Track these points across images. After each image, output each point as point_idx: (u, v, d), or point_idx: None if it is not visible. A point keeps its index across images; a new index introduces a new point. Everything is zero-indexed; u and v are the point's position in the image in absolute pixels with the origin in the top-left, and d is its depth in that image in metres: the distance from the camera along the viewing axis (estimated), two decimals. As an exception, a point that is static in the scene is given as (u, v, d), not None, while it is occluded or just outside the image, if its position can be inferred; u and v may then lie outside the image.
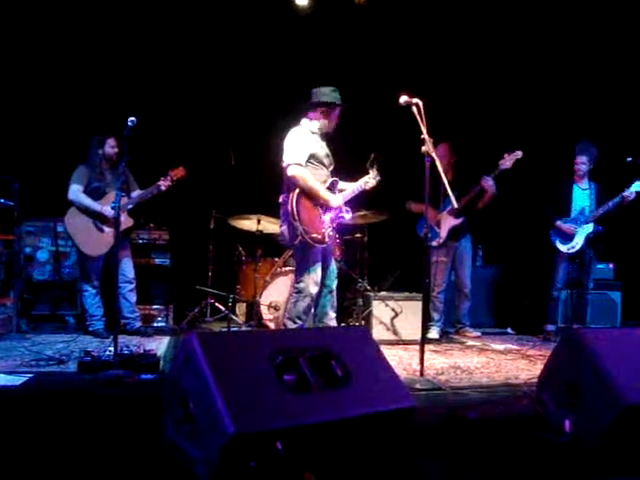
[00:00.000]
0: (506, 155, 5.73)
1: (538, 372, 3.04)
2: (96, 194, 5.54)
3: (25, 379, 3.62)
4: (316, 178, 4.52)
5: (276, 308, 5.86)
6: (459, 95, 7.21)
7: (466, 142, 6.34)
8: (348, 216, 4.69)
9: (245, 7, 6.77)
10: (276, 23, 6.92)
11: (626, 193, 5.82)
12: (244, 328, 6.04)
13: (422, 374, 3.96)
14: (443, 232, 6.02)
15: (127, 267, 5.61)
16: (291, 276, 5.79)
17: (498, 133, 7.02)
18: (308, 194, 4.43)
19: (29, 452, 2.46)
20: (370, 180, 4.74)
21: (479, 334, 6.28)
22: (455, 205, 4.38)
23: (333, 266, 4.83)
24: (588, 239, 6.05)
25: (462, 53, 7.23)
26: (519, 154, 5.69)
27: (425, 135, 4.04)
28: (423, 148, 4.05)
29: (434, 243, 5.99)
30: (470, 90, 7.32)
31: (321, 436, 2.16)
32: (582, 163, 6.15)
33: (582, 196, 6.19)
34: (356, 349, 2.44)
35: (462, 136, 6.39)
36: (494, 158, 5.83)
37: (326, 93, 4.66)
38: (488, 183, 5.83)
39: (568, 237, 6.09)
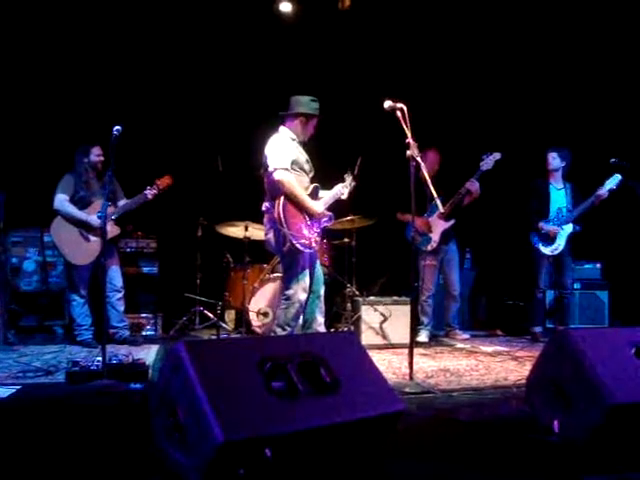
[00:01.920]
0: (484, 156, 5.77)
1: (527, 373, 3.06)
2: (82, 203, 5.52)
3: (13, 391, 3.60)
4: (298, 184, 4.53)
5: (265, 315, 5.86)
6: (439, 99, 7.25)
7: (446, 145, 6.37)
8: (331, 222, 4.74)
9: (230, 15, 6.78)
10: (261, 30, 6.93)
11: (600, 192, 5.87)
12: (233, 335, 6.03)
13: (411, 377, 3.98)
14: (435, 236, 6.04)
15: (115, 276, 5.59)
16: (279, 282, 5.79)
17: (478, 136, 7.06)
18: (292, 200, 4.44)
19: (18, 464, 2.45)
20: (344, 189, 4.81)
21: (468, 336, 6.31)
22: (442, 210, 4.40)
23: (320, 271, 4.84)
24: (567, 240, 6.10)
25: (444, 58, 7.28)
26: (497, 155, 5.76)
27: (410, 139, 4.07)
28: (408, 152, 4.08)
29: (428, 248, 6.02)
30: (449, 93, 7.36)
31: (310, 442, 2.16)
32: (552, 158, 6.19)
33: (558, 196, 6.24)
34: (344, 355, 2.45)
35: (442, 139, 6.41)
36: (474, 160, 5.88)
37: (305, 103, 4.67)
38: (474, 186, 5.87)
39: (550, 239, 6.12)
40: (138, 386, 3.79)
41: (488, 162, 5.76)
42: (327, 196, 4.76)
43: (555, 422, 2.66)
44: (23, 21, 6.39)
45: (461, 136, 7.16)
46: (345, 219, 5.89)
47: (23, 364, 4.50)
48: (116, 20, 6.58)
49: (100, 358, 3.93)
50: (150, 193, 5.48)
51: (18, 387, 3.71)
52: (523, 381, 3.75)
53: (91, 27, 6.55)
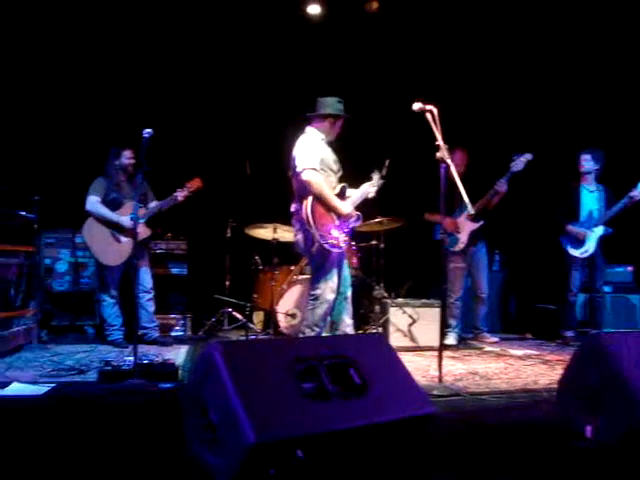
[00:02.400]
0: (515, 157, 5.73)
1: (558, 377, 3.03)
2: (113, 205, 5.60)
3: (47, 389, 3.66)
4: (326, 184, 4.54)
5: (293, 316, 5.88)
6: (468, 100, 7.21)
7: (475, 145, 6.33)
8: (359, 222, 4.74)
9: (259, 19, 6.82)
10: (289, 33, 6.97)
11: (633, 193, 5.80)
12: (261, 336, 6.06)
13: (440, 380, 3.96)
14: (463, 237, 6.01)
15: (145, 277, 5.65)
16: (308, 284, 5.81)
17: (509, 136, 7.01)
18: (320, 200, 4.45)
19: (53, 460, 2.49)
20: (372, 188, 4.82)
21: (497, 339, 6.26)
22: (472, 211, 4.37)
23: (347, 272, 4.84)
24: (599, 242, 6.02)
25: (473, 59, 7.24)
26: (528, 156, 5.70)
27: (440, 142, 4.05)
28: (438, 154, 4.06)
29: (456, 249, 5.99)
30: (479, 94, 7.32)
31: (341, 444, 2.16)
32: (585, 160, 6.13)
33: (590, 199, 6.17)
34: (374, 356, 2.45)
35: (470, 139, 6.38)
36: (504, 160, 5.84)
37: (332, 104, 4.71)
38: (503, 187, 5.83)
39: (579, 242, 6.06)
40: (168, 386, 3.82)
41: (519, 163, 5.70)
42: (355, 196, 4.76)
43: (588, 427, 2.63)
44: (54, 27, 6.51)
45: (491, 136, 7.11)
46: (373, 221, 5.90)
47: (56, 363, 4.58)
48: (147, 25, 6.67)
49: (131, 358, 3.98)
50: (180, 195, 5.53)
51: (53, 385, 3.76)
52: (554, 385, 3.71)
53: (122, 32, 6.65)
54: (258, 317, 6.51)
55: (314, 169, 4.45)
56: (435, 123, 4.06)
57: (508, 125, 7.28)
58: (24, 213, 5.39)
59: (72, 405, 3.44)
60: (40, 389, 3.65)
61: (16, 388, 3.68)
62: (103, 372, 3.93)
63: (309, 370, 2.24)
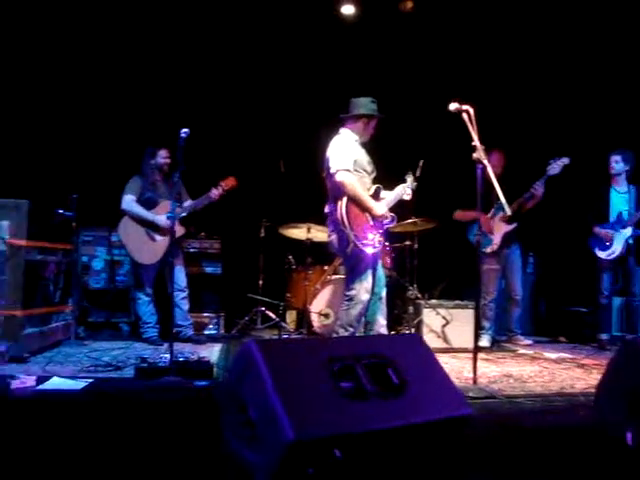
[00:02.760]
0: (552, 161, 5.67)
1: (594, 382, 3.00)
2: (149, 204, 5.67)
3: (85, 384, 3.73)
4: (360, 185, 4.54)
5: (326, 316, 5.89)
6: (505, 101, 7.14)
7: (510, 147, 6.28)
8: (393, 223, 4.72)
9: (293, 19, 6.85)
10: (324, 33, 6.98)
11: None
12: (294, 336, 6.08)
13: (475, 382, 3.93)
14: (497, 238, 5.97)
15: (180, 275, 5.70)
16: (341, 284, 5.81)
17: (540, 138, 6.93)
18: (355, 201, 4.45)
19: (90, 454, 2.53)
20: (407, 189, 4.82)
21: (531, 342, 6.20)
22: (509, 212, 4.34)
23: (381, 273, 4.83)
24: (627, 244, 5.92)
25: (508, 59, 7.17)
26: (566, 160, 5.64)
27: (477, 142, 4.02)
28: (474, 155, 4.02)
29: (488, 250, 5.95)
30: (515, 96, 7.25)
31: (378, 443, 2.16)
32: (615, 162, 6.03)
33: (620, 200, 6.07)
34: (411, 356, 2.45)
35: (505, 141, 6.32)
36: (540, 163, 5.79)
37: (365, 104, 4.71)
38: (540, 190, 5.77)
39: (606, 243, 5.97)
40: (203, 383, 3.86)
41: (555, 167, 5.65)
42: (389, 197, 4.76)
43: (628, 433, 2.59)
44: (91, 28, 6.61)
45: (524, 138, 7.04)
46: (407, 222, 5.87)
47: (93, 359, 4.65)
48: (184, 25, 6.74)
49: (167, 355, 4.03)
50: (215, 193, 5.57)
51: (90, 380, 3.83)
52: (591, 390, 3.69)
53: (160, 33, 6.74)
54: (291, 316, 6.54)
55: (348, 170, 4.46)
56: (472, 123, 4.02)
57: (540, 126, 7.19)
58: (62, 211, 5.48)
59: (109, 401, 3.50)
60: (78, 384, 3.72)
61: (56, 382, 3.76)
62: (139, 369, 3.98)
63: (346, 369, 2.25)
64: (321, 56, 7.05)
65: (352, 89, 5.17)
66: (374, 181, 4.76)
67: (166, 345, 5.22)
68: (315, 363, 2.18)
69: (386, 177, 4.89)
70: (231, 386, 2.31)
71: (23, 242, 4.59)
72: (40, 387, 3.63)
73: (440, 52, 7.13)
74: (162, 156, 5.75)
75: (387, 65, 7.05)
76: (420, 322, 5.78)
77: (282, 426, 1.95)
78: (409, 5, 7.03)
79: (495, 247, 5.97)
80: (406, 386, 2.29)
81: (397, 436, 2.21)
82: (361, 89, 4.97)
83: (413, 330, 5.80)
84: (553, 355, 5.56)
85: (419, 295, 6.04)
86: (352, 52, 7.05)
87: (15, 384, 3.56)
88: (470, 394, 3.72)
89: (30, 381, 3.64)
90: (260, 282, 6.48)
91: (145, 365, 4.01)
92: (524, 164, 6.16)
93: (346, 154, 4.52)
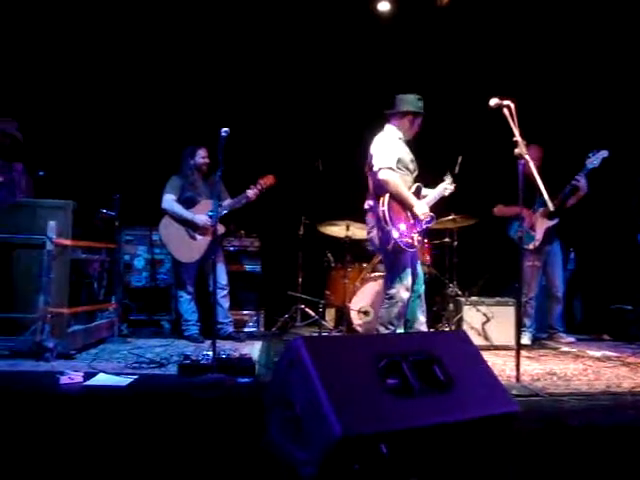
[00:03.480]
0: (591, 154, 5.58)
1: (642, 381, 2.94)
2: (188, 203, 5.73)
3: (131, 380, 3.79)
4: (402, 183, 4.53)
5: (366, 313, 5.89)
6: (540, 95, 7.02)
7: (547, 142, 6.18)
8: (433, 222, 4.70)
9: (330, 16, 6.85)
10: (359, 31, 6.97)
11: None
12: (334, 333, 6.09)
13: (518, 380, 3.89)
14: (539, 234, 5.89)
15: (220, 273, 5.75)
16: (380, 282, 5.81)
17: (580, 133, 6.81)
18: (397, 199, 4.44)
19: (139, 449, 2.58)
20: (448, 187, 4.79)
21: (573, 340, 6.10)
22: (551, 207, 4.28)
23: (420, 271, 4.82)
24: None
25: (543, 50, 7.05)
26: (605, 153, 5.55)
27: (518, 137, 3.98)
28: (516, 151, 3.99)
29: (531, 246, 5.87)
30: (550, 89, 7.12)
31: (425, 440, 2.16)
32: None
33: None
34: (457, 353, 2.44)
35: (542, 136, 6.23)
36: (578, 158, 5.70)
37: (412, 101, 4.68)
38: (581, 182, 5.69)
39: None
40: (246, 380, 3.90)
41: (594, 160, 5.56)
42: (430, 196, 4.73)
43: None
44: (129, 29, 6.72)
45: (563, 132, 6.92)
46: (446, 218, 5.84)
47: (137, 356, 4.72)
48: (221, 25, 6.80)
49: (210, 352, 4.07)
50: (252, 193, 5.62)
51: (135, 377, 3.90)
52: (639, 389, 3.62)
53: (198, 33, 6.81)
54: (330, 314, 6.55)
55: (390, 168, 4.44)
56: (512, 119, 3.98)
57: (576, 119, 7.05)
58: (105, 211, 5.58)
59: (154, 397, 3.56)
60: (124, 380, 3.78)
61: (102, 378, 3.83)
62: (183, 366, 4.03)
63: (392, 366, 2.25)
64: (358, 54, 7.04)
65: (389, 86, 5.16)
66: (415, 179, 4.74)
67: (207, 342, 5.30)
68: (361, 360, 2.19)
69: (425, 174, 4.87)
70: (277, 382, 2.33)
71: (69, 242, 4.69)
72: (87, 383, 3.70)
73: (476, 46, 7.04)
74: (201, 155, 5.81)
75: (425, 61, 7.00)
76: (460, 319, 5.74)
77: (329, 422, 1.96)
78: (445, 0, 6.97)
79: (537, 243, 5.89)
80: (452, 383, 2.28)
81: (443, 433, 2.21)
82: (399, 86, 4.96)
83: (453, 327, 5.76)
84: (597, 353, 5.46)
85: (459, 292, 6.00)
86: (389, 49, 7.02)
87: (64, 380, 3.64)
88: (513, 392, 3.68)
89: (78, 377, 3.71)
90: (299, 280, 6.50)
91: (188, 362, 4.05)
92: (562, 159, 6.06)
93: (390, 152, 4.51)
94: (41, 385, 3.71)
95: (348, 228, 6.04)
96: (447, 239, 6.14)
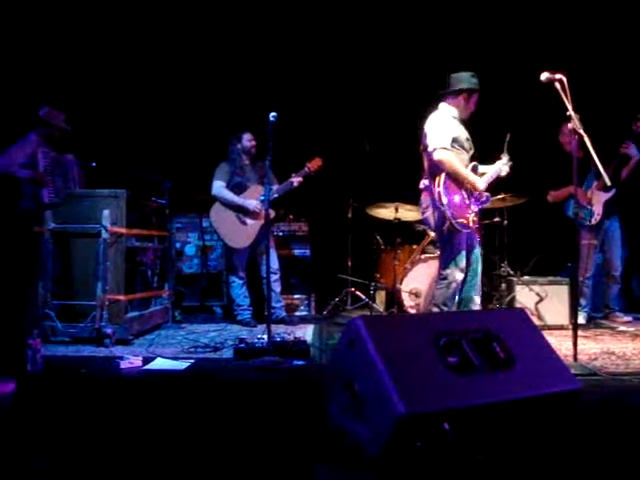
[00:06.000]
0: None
1: None
2: (238, 189, 5.78)
3: (188, 364, 3.87)
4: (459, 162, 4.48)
5: (417, 295, 5.86)
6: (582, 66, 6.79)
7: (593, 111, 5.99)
8: (488, 202, 4.64)
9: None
10: (406, 8, 6.87)
11: None
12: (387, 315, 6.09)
13: (575, 359, 3.83)
14: (598, 209, 5.72)
15: (272, 258, 5.74)
16: (431, 263, 5.78)
17: (625, 98, 6.57)
18: (454, 178, 4.40)
19: (200, 431, 2.63)
20: (504, 167, 4.72)
21: (630, 319, 5.95)
22: (608, 182, 4.17)
23: (477, 250, 4.75)
24: None
25: (583, 19, 6.82)
26: None
27: (571, 112, 3.89)
28: (569, 125, 3.92)
29: (593, 221, 5.71)
30: (595, 59, 6.88)
31: (487, 418, 2.15)
32: None
33: None
34: (517, 331, 2.41)
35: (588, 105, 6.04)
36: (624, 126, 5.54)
37: (467, 79, 4.60)
38: (630, 149, 5.53)
39: None
40: (301, 362, 3.94)
41: None
42: (488, 174, 4.66)
43: None
44: (174, 21, 6.79)
45: (604, 102, 6.68)
46: (496, 197, 5.75)
47: (192, 341, 4.82)
48: (263, 9, 6.80)
49: (265, 336, 4.12)
50: (296, 180, 5.64)
51: (192, 361, 3.97)
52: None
53: (240, 18, 6.83)
54: (380, 297, 6.53)
55: (445, 148, 4.40)
56: (565, 93, 3.90)
57: (625, 88, 6.80)
58: (156, 199, 5.67)
59: (212, 380, 3.62)
60: (181, 364, 3.87)
61: (160, 363, 3.92)
62: (238, 349, 4.10)
63: (452, 344, 2.24)
64: (405, 31, 6.94)
65: (437, 64, 5.09)
66: (472, 159, 4.68)
67: (260, 327, 5.36)
68: (421, 338, 2.19)
69: (477, 152, 4.80)
70: (337, 363, 2.35)
71: (123, 230, 4.79)
72: (146, 367, 3.80)
73: (526, 20, 6.87)
74: (247, 139, 5.84)
75: (473, 37, 6.85)
76: (512, 299, 5.67)
77: (392, 401, 1.97)
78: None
79: (598, 217, 5.71)
80: (513, 360, 2.26)
81: (505, 411, 2.19)
82: (447, 63, 4.89)
83: (505, 307, 5.70)
84: (656, 332, 5.34)
85: (511, 272, 5.92)
86: (434, 27, 6.91)
87: (124, 364, 3.74)
88: (572, 371, 3.60)
89: (137, 361, 3.81)
90: (349, 263, 6.51)
91: (243, 346, 4.12)
92: (607, 128, 5.86)
93: (444, 131, 4.46)
94: (103, 369, 3.81)
95: (397, 210, 6.00)
96: (497, 218, 6.06)
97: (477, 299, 4.68)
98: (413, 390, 2.00)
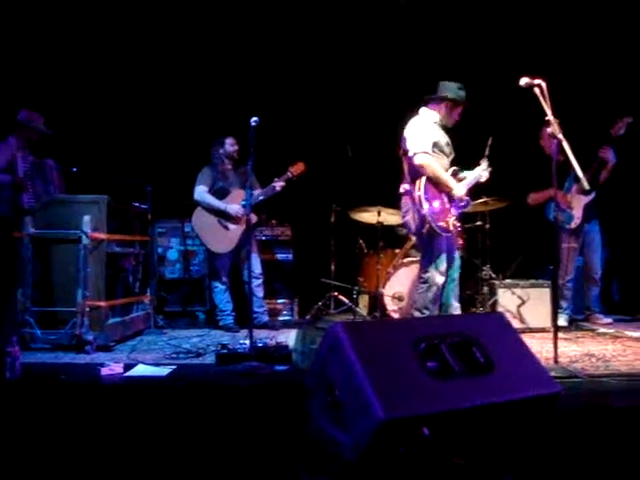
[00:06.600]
0: (619, 122, 5.48)
1: (684, 360, 2.89)
2: (220, 193, 5.77)
3: (170, 370, 3.85)
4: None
5: (400, 299, 5.87)
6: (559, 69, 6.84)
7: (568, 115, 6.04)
8: (468, 206, 4.68)
9: (357, 1, 6.79)
10: (386, 13, 6.88)
11: None
12: (368, 320, 6.09)
13: (556, 361, 3.85)
14: (578, 212, 5.77)
15: (254, 263, 5.75)
16: (413, 267, 5.79)
17: (603, 104, 6.63)
18: (435, 183, 4.42)
19: (180, 437, 2.62)
20: (483, 172, 4.77)
21: (610, 321, 5.99)
22: (586, 186, 4.21)
23: (456, 255, 4.79)
24: None
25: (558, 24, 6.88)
26: (629, 119, 5.44)
27: (550, 116, 3.92)
28: (549, 130, 3.94)
29: (572, 225, 5.77)
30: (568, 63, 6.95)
31: (467, 422, 2.16)
32: None
33: None
34: (496, 335, 2.43)
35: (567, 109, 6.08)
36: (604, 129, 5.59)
37: (454, 90, 4.65)
38: (608, 153, 5.59)
39: None
40: (283, 368, 3.93)
41: (618, 128, 5.47)
42: (468, 179, 4.70)
43: None
44: (157, 21, 6.74)
45: (582, 105, 6.74)
46: (478, 201, 5.78)
47: (174, 346, 4.78)
48: (246, 13, 6.79)
49: (246, 341, 4.10)
50: (278, 185, 5.64)
51: (174, 367, 3.95)
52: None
53: (223, 22, 6.80)
54: (363, 300, 6.53)
55: (426, 152, 4.42)
56: (544, 98, 3.93)
57: (600, 92, 6.86)
58: (139, 204, 5.64)
59: (194, 386, 3.60)
60: (163, 370, 3.84)
61: (142, 369, 3.89)
62: (220, 355, 4.08)
63: (431, 349, 2.25)
64: (386, 37, 6.96)
65: (417, 69, 5.11)
66: (452, 163, 4.71)
67: (242, 332, 5.35)
68: (400, 343, 2.20)
69: (457, 156, 4.83)
70: (317, 368, 2.34)
71: (104, 235, 4.76)
72: (128, 374, 3.76)
73: (507, 26, 6.91)
74: (230, 143, 5.83)
75: (454, 42, 6.89)
76: (495, 302, 5.70)
77: (372, 406, 1.97)
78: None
79: (578, 221, 5.77)
80: (492, 365, 2.28)
81: (485, 415, 2.20)
82: (427, 68, 4.92)
83: (487, 311, 5.72)
84: (636, 334, 5.36)
85: (493, 275, 5.95)
86: (415, 32, 6.93)
87: (104, 371, 3.71)
88: (552, 374, 3.63)
89: (118, 368, 3.77)
90: (332, 267, 6.51)
91: (225, 351, 4.10)
92: (587, 134, 5.92)
93: (425, 136, 4.49)
94: (83, 376, 3.78)
95: (379, 214, 6.01)
96: (479, 222, 6.08)
97: (455, 303, 4.72)
98: (392, 395, 2.01)
